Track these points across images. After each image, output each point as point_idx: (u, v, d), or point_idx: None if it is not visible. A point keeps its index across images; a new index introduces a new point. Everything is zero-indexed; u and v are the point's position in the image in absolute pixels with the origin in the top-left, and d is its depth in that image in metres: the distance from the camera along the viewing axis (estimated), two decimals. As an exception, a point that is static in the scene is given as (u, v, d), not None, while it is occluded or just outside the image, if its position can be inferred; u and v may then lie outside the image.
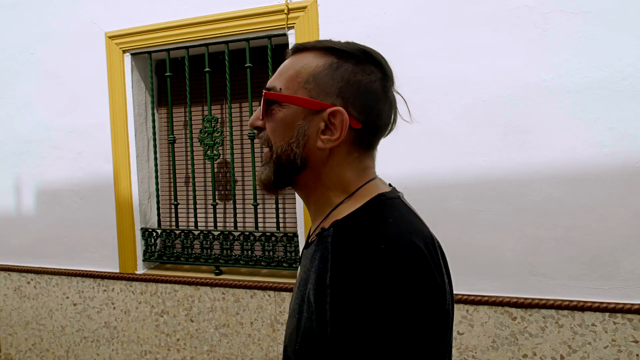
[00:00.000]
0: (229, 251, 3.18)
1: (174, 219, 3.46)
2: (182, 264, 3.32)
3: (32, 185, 3.75)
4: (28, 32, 3.74)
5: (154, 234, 3.38)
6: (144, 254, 3.40)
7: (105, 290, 3.48)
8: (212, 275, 3.20)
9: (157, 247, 3.40)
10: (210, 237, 3.22)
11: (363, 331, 0.64)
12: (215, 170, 3.42)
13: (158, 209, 3.40)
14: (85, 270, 3.53)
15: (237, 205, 3.24)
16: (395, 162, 2.64)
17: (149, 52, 3.36)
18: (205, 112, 3.39)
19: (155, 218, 3.51)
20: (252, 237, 3.11)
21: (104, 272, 3.46)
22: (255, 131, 0.90)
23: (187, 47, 3.24)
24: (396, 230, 0.73)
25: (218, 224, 3.30)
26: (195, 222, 3.29)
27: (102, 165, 3.46)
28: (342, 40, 0.85)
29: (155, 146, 3.45)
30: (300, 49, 0.84)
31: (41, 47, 3.65)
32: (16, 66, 3.78)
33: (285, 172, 0.83)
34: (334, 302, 0.68)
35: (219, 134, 3.19)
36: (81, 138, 3.53)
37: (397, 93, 0.87)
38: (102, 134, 3.45)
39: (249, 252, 3.12)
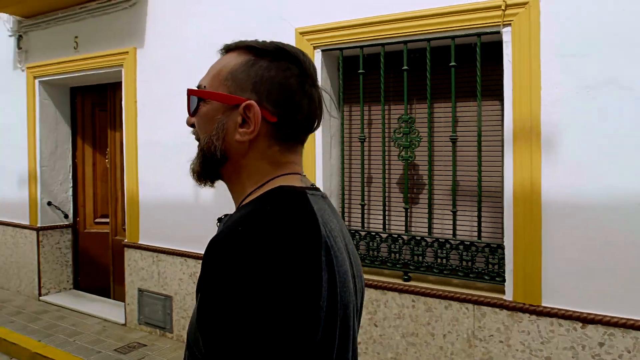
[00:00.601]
0: (420, 257, 3.05)
1: (355, 219, 3.40)
2: (366, 266, 3.25)
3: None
4: (211, 28, 3.85)
5: (337, 233, 3.34)
6: (325, 253, 3.37)
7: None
8: (400, 281, 3.09)
9: (339, 247, 3.35)
10: (400, 241, 3.11)
11: (203, 315, 0.70)
12: (402, 171, 3.30)
13: (342, 207, 3.35)
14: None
15: (433, 210, 3.09)
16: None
17: (341, 49, 3.30)
18: (394, 112, 3.28)
19: (335, 217, 3.48)
20: (448, 245, 2.96)
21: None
22: (192, 128, 0.92)
23: (382, 44, 3.13)
24: (267, 216, 0.75)
25: (410, 228, 3.17)
26: (384, 224, 3.20)
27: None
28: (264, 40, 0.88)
29: (342, 144, 3.40)
30: (227, 49, 0.89)
31: (232, 40, 3.74)
32: (208, 59, 3.91)
33: (210, 164, 0.87)
34: (197, 288, 0.73)
35: (415, 134, 3.06)
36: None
37: (321, 89, 0.89)
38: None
39: (444, 260, 2.97)
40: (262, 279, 0.67)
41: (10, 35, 5.39)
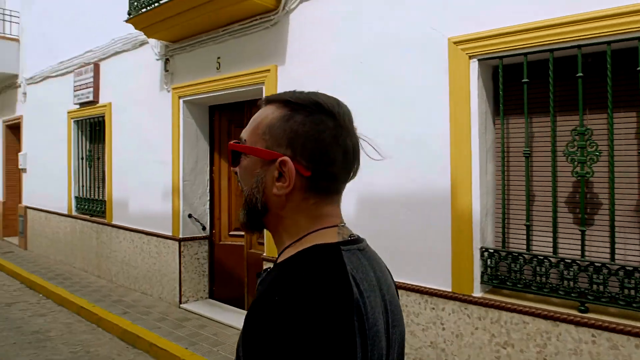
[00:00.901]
0: (600, 286, 2.70)
1: (515, 240, 3.12)
2: (531, 293, 2.96)
3: (355, 192, 3.80)
4: (356, 41, 3.81)
5: (496, 255, 3.09)
6: (482, 276, 3.13)
7: (433, 309, 3.31)
8: (574, 312, 2.76)
9: (499, 270, 3.09)
10: (575, 267, 2.79)
11: None
12: (571, 189, 2.97)
13: (503, 227, 3.10)
14: (410, 284, 3.41)
15: (615, 233, 2.73)
16: None
17: (500, 57, 3.07)
18: (561, 123, 2.97)
19: (492, 237, 3.23)
20: (638, 274, 2.58)
21: (433, 289, 3.30)
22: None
23: (551, 50, 2.86)
24: (301, 285, 0.76)
25: (585, 253, 2.83)
26: (554, 247, 2.89)
27: (436, 177, 3.30)
28: (302, 90, 0.89)
29: (503, 158, 3.15)
30: (267, 101, 0.91)
31: (372, 55, 3.68)
32: (344, 75, 3.89)
33: (253, 215, 0.90)
34: (238, 344, 0.79)
35: (593, 148, 2.73)
36: (413, 147, 3.43)
37: (361, 137, 0.92)
38: (438, 144, 3.29)
39: (633, 291, 2.60)
40: (297, 351, 0.70)
41: (157, 59, 5.83)
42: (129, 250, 6.38)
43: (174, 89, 5.57)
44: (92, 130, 7.41)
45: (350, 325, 0.74)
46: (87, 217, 7.39)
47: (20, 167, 9.61)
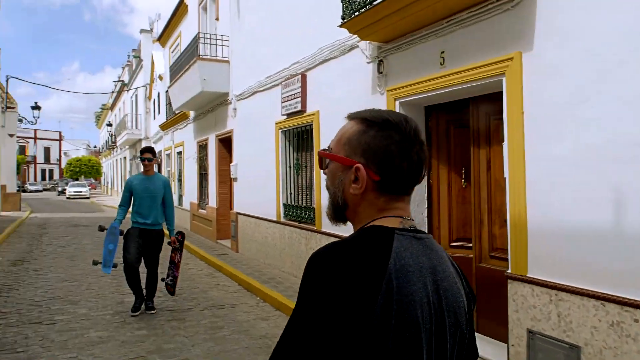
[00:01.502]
0: None
1: None
2: None
3: (636, 198, 3.01)
4: (630, 16, 3.01)
5: None
6: None
7: None
8: None
9: None
10: None
11: (295, 314, 0.92)
12: None
13: None
14: None
15: None
16: None
17: None
18: None
19: None
20: None
21: None
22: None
23: None
24: (343, 244, 0.96)
25: None
26: None
27: None
28: (378, 109, 1.08)
29: None
30: (349, 117, 1.09)
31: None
32: (618, 55, 3.11)
33: (337, 210, 1.09)
34: None
35: None
36: None
37: (424, 148, 1.05)
38: None
39: None
40: (321, 286, 0.89)
41: (368, 62, 5.65)
42: (340, 258, 6.31)
43: (388, 91, 5.31)
44: (300, 139, 7.63)
45: (374, 285, 0.88)
46: (296, 223, 7.62)
47: (231, 176, 10.50)
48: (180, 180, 16.20)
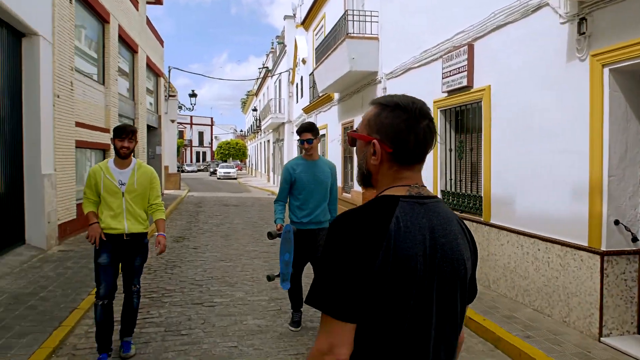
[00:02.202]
0: None
1: None
2: None
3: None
4: None
5: None
6: None
7: None
8: None
9: None
10: None
11: (322, 260, 1.22)
12: None
13: None
14: None
15: None
16: None
17: None
18: None
19: None
20: None
21: None
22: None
23: None
24: (356, 211, 1.23)
25: None
26: None
27: None
28: (392, 94, 1.34)
29: None
30: (370, 103, 1.37)
31: None
32: None
33: (363, 177, 1.37)
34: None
35: None
36: None
37: (431, 124, 1.30)
38: None
39: None
40: (338, 243, 1.19)
41: (563, 22, 4.64)
42: (516, 256, 5.44)
43: (593, 55, 4.27)
44: (463, 119, 6.80)
45: (377, 243, 1.16)
46: (457, 213, 6.84)
47: (380, 160, 10.00)
48: (323, 163, 16.21)
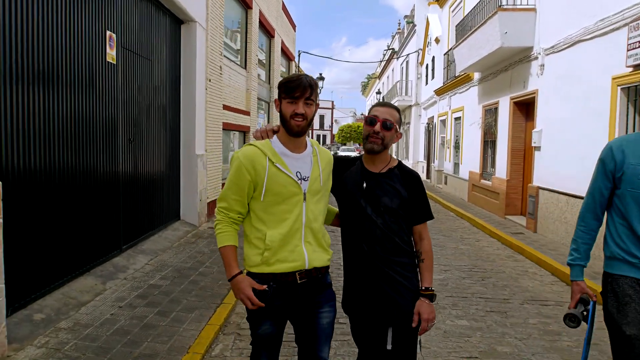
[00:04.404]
0: None
1: None
2: None
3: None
4: None
5: None
6: None
7: None
8: None
9: None
10: None
11: (423, 194, 2.34)
12: None
13: None
14: None
15: None
16: None
17: None
18: None
19: None
20: None
21: None
22: (382, 131, 2.31)
23: None
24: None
25: None
26: None
27: None
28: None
29: None
30: (390, 106, 2.34)
31: None
32: None
33: (384, 147, 2.28)
34: (411, 188, 2.31)
35: None
36: None
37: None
38: None
39: None
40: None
41: None
42: None
43: None
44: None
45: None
46: None
47: (533, 144, 9.06)
48: (457, 147, 15.36)
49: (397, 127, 2.29)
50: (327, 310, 2.23)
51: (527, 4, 9.16)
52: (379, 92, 38.63)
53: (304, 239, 2.13)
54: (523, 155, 10.16)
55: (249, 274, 2.15)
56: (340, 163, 2.45)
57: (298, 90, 2.05)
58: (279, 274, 2.09)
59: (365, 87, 61.22)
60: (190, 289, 5.15)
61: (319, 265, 2.17)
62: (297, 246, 2.11)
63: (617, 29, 6.31)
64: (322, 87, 25.53)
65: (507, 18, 8.99)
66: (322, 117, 78.27)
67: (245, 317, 4.35)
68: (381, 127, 2.25)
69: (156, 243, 6.93)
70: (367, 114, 2.35)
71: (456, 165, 15.38)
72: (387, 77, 36.73)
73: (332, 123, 78.79)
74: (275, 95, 15.21)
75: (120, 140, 5.89)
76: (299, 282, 2.12)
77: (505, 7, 9.06)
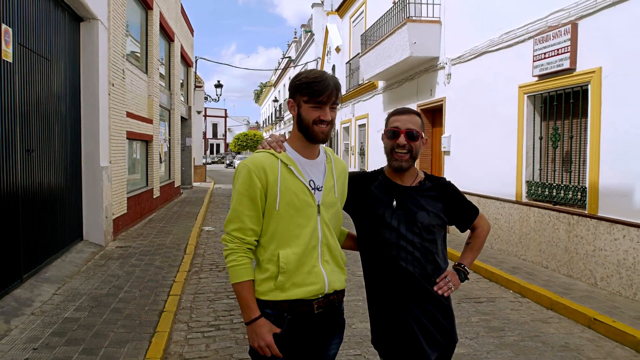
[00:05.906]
0: None
1: None
2: None
3: None
4: None
5: None
6: None
7: None
8: None
9: None
10: None
11: (462, 197, 2.16)
12: None
13: None
14: None
15: None
16: None
17: None
18: None
19: None
20: None
21: None
22: (408, 143, 2.05)
23: None
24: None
25: None
26: None
27: None
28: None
29: None
30: (410, 112, 2.09)
31: None
32: None
33: (413, 161, 2.06)
34: (447, 197, 2.10)
35: None
36: None
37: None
38: None
39: None
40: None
41: None
42: (635, 252, 4.98)
43: None
44: (559, 105, 6.31)
45: None
46: (549, 205, 6.38)
47: (443, 149, 9.52)
48: (362, 154, 15.75)
49: (422, 133, 2.05)
50: (336, 342, 1.98)
51: (433, 17, 9.65)
52: (275, 100, 38.66)
53: (321, 257, 1.84)
54: (431, 159, 10.66)
55: (258, 302, 1.80)
56: (357, 179, 2.13)
57: (325, 94, 1.76)
58: (295, 302, 1.79)
59: (259, 96, 60.96)
60: (114, 319, 4.54)
61: (339, 287, 1.90)
62: (314, 267, 1.81)
63: (523, 41, 6.83)
64: (220, 94, 24.87)
65: (415, 29, 9.38)
66: (215, 126, 76.48)
67: (185, 346, 3.88)
68: (406, 138, 1.98)
69: (61, 268, 6.09)
70: (385, 127, 2.10)
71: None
72: (284, 85, 36.87)
73: (225, 131, 77.32)
74: (176, 102, 14.23)
75: (19, 151, 5.08)
76: (315, 312, 1.82)
77: (413, 18, 9.45)
